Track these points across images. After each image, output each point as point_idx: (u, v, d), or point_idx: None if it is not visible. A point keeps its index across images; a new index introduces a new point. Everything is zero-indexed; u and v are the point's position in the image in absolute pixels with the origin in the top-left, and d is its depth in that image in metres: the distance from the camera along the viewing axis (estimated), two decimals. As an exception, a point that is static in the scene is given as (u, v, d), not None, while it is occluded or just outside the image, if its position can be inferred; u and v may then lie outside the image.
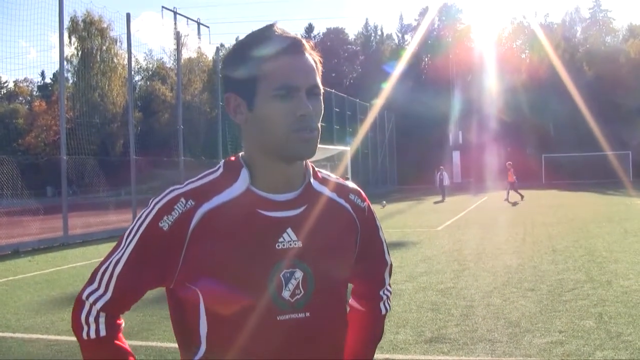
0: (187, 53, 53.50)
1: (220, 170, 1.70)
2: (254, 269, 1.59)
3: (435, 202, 33.77)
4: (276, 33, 1.62)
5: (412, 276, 10.53)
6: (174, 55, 49.75)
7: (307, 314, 1.63)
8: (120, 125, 49.62)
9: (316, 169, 1.80)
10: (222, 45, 41.80)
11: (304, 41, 1.65)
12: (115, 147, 50.24)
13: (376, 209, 29.00)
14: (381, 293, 2.01)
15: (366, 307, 1.99)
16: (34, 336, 7.51)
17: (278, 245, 1.62)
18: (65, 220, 19.39)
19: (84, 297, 1.65)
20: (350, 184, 1.86)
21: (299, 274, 1.63)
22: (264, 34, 1.62)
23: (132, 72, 29.43)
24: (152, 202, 1.64)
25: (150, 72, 68.65)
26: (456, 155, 59.64)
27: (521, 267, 10.97)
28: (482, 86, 63.44)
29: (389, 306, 2.03)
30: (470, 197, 36.70)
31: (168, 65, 64.17)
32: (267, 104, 1.59)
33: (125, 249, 1.62)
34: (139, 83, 67.00)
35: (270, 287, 1.59)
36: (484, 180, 53.78)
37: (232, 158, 1.72)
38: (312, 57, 1.65)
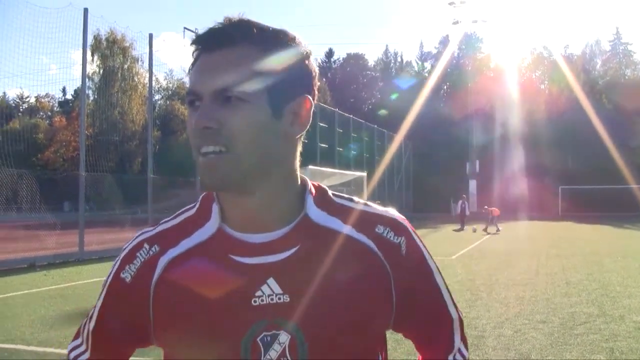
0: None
1: (197, 205, 1.37)
2: (223, 332, 1.25)
3: (455, 230, 33.67)
4: (212, 27, 1.25)
5: (424, 304, 10.52)
6: (195, 75, 50.20)
7: None
8: (138, 144, 50.14)
9: (330, 193, 1.39)
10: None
11: (236, 33, 1.23)
12: (133, 165, 50.67)
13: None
14: (450, 358, 1.48)
15: None
16: (48, 350, 7.59)
17: (255, 301, 1.24)
18: (82, 236, 19.53)
19: (68, 350, 1.46)
20: (381, 211, 1.40)
21: (284, 338, 1.24)
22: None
23: (152, 91, 29.69)
24: (122, 247, 1.39)
25: (170, 92, 69.47)
26: (472, 185, 59.46)
27: (534, 299, 10.94)
28: (501, 116, 63.46)
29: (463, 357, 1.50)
30: (486, 227, 36.52)
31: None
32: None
33: (97, 304, 1.40)
34: (159, 102, 67.80)
35: (244, 355, 1.23)
36: (500, 210, 53.71)
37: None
38: (244, 52, 1.21)
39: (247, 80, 1.19)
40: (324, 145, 36.32)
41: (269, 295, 1.24)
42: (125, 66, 48.13)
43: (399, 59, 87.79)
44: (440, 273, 1.47)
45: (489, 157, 60.42)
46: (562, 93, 63.38)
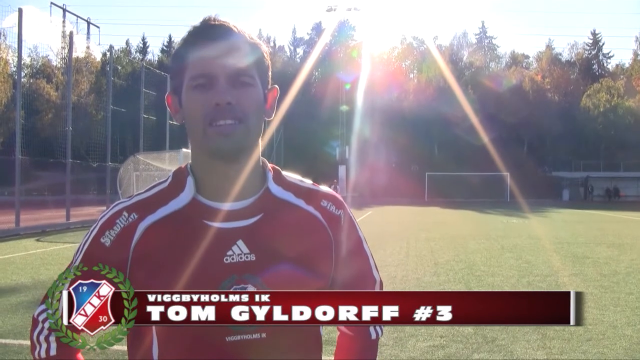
0: (74, 53, 52.14)
1: (169, 180, 1.57)
2: (198, 285, 1.40)
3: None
4: (206, 23, 1.50)
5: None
6: (61, 53, 48.20)
7: (263, 335, 1.44)
8: (-1, 123, 47.75)
9: (284, 173, 1.64)
10: (111, 47, 40.92)
11: (234, 29, 1.49)
12: (-7, 145, 48.19)
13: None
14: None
15: (354, 331, 1.75)
16: None
17: (226, 259, 1.46)
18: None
19: (36, 315, 1.55)
20: (324, 189, 1.68)
21: (251, 290, 1.41)
22: (196, 26, 1.51)
23: (21, 67, 28.32)
24: (99, 216, 1.55)
25: (34, 70, 66.41)
26: (342, 170, 60.41)
27: (405, 278, 11.36)
28: (371, 104, 64.59)
29: (381, 330, 1.77)
30: (355, 211, 37.31)
31: (54, 64, 62.23)
32: (188, 95, 1.47)
33: (71, 267, 1.47)
34: (21, 80, 64.52)
35: None
36: (369, 195, 54.88)
37: (183, 166, 1.59)
38: (243, 45, 1.49)
39: (251, 68, 1.48)
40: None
41: (238, 254, 1.47)
42: (-16, 40, 45.65)
43: (271, 44, 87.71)
44: (366, 242, 1.77)
45: (358, 144, 61.53)
46: (430, 83, 65.40)
